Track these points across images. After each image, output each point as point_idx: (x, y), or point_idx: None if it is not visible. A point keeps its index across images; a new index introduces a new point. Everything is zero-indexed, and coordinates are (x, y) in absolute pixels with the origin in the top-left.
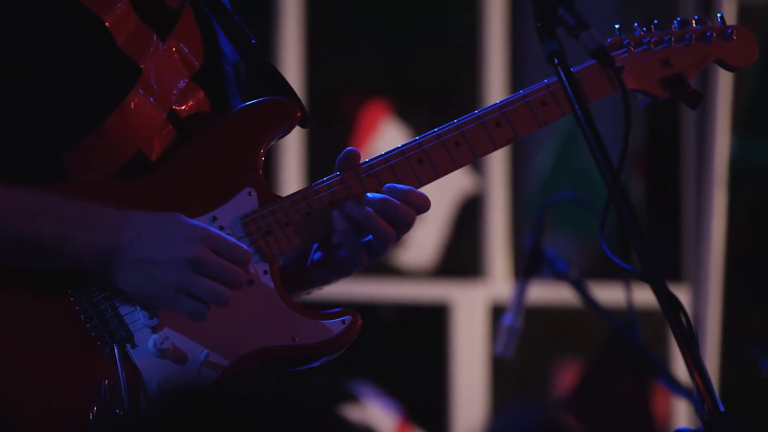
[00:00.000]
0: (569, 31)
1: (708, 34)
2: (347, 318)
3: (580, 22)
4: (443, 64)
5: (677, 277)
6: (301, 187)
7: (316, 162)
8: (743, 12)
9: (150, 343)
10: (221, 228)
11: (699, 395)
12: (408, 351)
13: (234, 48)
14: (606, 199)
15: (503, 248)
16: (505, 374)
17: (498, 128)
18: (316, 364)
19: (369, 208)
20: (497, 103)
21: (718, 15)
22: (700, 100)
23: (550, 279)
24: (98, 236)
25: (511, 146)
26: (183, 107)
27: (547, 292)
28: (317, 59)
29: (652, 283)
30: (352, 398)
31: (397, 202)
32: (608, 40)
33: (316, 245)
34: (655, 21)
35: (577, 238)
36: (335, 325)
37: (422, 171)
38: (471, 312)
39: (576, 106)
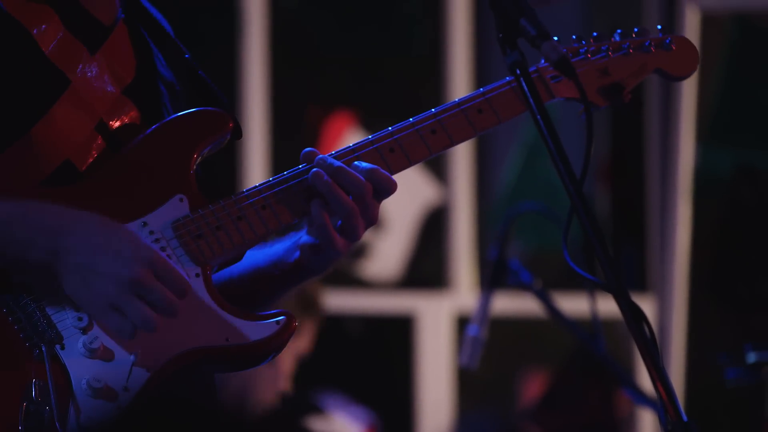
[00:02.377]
0: (531, 42)
1: (646, 44)
2: (281, 319)
3: (541, 32)
4: (407, 75)
5: (642, 287)
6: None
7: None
8: (706, 21)
9: (79, 344)
10: (151, 233)
11: (662, 405)
12: (373, 362)
13: (168, 66)
14: (569, 210)
15: (468, 259)
16: (470, 385)
17: (433, 135)
18: (252, 367)
19: (327, 178)
20: (432, 111)
21: (658, 27)
22: (640, 108)
23: (515, 290)
24: (43, 238)
25: (475, 157)
26: (113, 119)
27: (512, 303)
28: (282, 71)
29: (615, 293)
30: (318, 409)
31: (351, 170)
32: None
33: (305, 231)
34: (594, 33)
35: (542, 248)
36: (269, 325)
37: None
38: (436, 323)
39: (538, 116)
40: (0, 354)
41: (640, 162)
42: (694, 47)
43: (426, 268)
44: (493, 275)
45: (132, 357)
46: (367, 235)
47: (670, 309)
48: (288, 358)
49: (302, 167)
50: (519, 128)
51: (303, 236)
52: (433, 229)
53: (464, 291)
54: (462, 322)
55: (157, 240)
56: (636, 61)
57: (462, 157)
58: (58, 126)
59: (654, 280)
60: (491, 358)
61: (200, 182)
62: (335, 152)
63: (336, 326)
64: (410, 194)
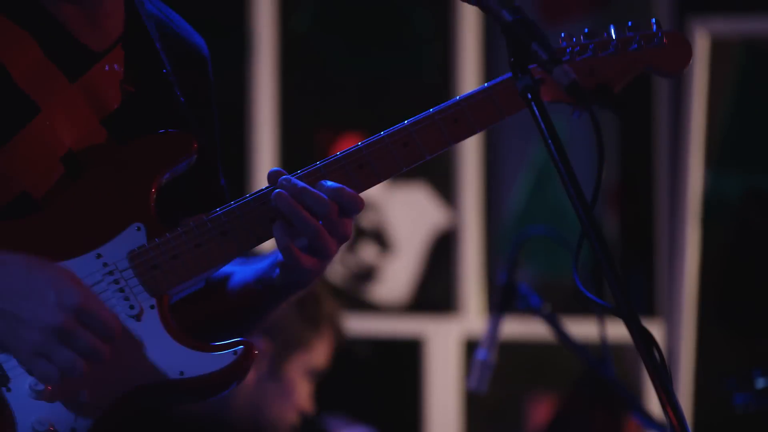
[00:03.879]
0: (542, 66)
1: (636, 41)
2: (239, 348)
3: (553, 57)
4: (417, 100)
5: (650, 311)
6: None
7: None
8: (716, 46)
9: (26, 386)
10: (105, 265)
11: (672, 430)
12: (382, 385)
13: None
14: (579, 234)
15: (477, 283)
16: (478, 409)
17: (405, 147)
18: (212, 397)
19: (290, 199)
20: (405, 123)
21: (653, 20)
22: (624, 107)
23: (524, 314)
24: None
25: (484, 180)
26: (83, 150)
27: (521, 327)
28: (292, 94)
29: (626, 318)
30: None
31: (315, 191)
32: None
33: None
34: (586, 30)
35: (551, 272)
36: (226, 356)
37: None
38: (445, 347)
39: (549, 141)
40: None
41: (648, 187)
42: (687, 42)
43: (435, 292)
44: (502, 299)
45: (80, 397)
46: (376, 259)
47: (678, 334)
48: (298, 377)
49: (265, 189)
50: (528, 152)
51: (278, 254)
52: (442, 252)
53: (473, 315)
54: (470, 346)
55: (110, 272)
56: (624, 59)
57: (471, 180)
58: (20, 155)
59: (662, 304)
60: (500, 382)
61: (162, 208)
62: (301, 171)
63: (344, 349)
64: (419, 218)
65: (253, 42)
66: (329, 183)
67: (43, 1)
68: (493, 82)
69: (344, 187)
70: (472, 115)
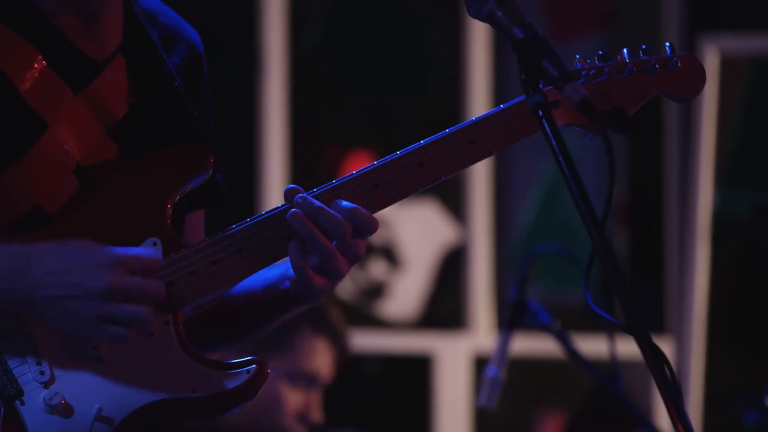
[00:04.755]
0: (553, 84)
1: (651, 64)
2: (252, 368)
3: (564, 74)
4: (426, 115)
5: (660, 328)
6: None
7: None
8: (725, 63)
9: (40, 399)
10: None
11: None
12: (391, 402)
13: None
14: (590, 251)
15: (486, 300)
16: (488, 426)
17: (420, 168)
18: (224, 415)
19: (305, 219)
20: (421, 143)
21: (666, 44)
22: (636, 131)
23: (534, 331)
24: (3, 277)
25: (494, 197)
26: (92, 163)
27: (531, 344)
28: (301, 110)
29: (636, 334)
30: None
31: (331, 211)
32: None
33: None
34: (600, 52)
35: (561, 289)
36: (239, 375)
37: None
38: (454, 363)
39: (560, 158)
40: None
41: (659, 204)
42: (702, 66)
43: (444, 309)
44: (512, 316)
45: (93, 412)
46: (386, 275)
47: (688, 351)
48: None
49: (281, 207)
50: (538, 169)
51: (290, 268)
52: (452, 269)
53: (482, 331)
54: (480, 363)
55: None
56: (639, 83)
57: (480, 197)
58: (32, 171)
59: (672, 321)
60: (509, 399)
61: (178, 222)
62: (317, 189)
63: (354, 365)
64: (428, 234)
65: (263, 57)
66: (344, 203)
67: (44, 12)
68: (509, 103)
69: (359, 207)
70: (487, 136)
